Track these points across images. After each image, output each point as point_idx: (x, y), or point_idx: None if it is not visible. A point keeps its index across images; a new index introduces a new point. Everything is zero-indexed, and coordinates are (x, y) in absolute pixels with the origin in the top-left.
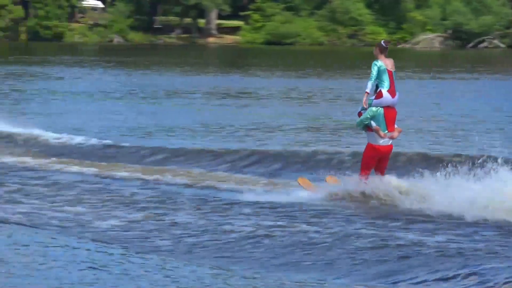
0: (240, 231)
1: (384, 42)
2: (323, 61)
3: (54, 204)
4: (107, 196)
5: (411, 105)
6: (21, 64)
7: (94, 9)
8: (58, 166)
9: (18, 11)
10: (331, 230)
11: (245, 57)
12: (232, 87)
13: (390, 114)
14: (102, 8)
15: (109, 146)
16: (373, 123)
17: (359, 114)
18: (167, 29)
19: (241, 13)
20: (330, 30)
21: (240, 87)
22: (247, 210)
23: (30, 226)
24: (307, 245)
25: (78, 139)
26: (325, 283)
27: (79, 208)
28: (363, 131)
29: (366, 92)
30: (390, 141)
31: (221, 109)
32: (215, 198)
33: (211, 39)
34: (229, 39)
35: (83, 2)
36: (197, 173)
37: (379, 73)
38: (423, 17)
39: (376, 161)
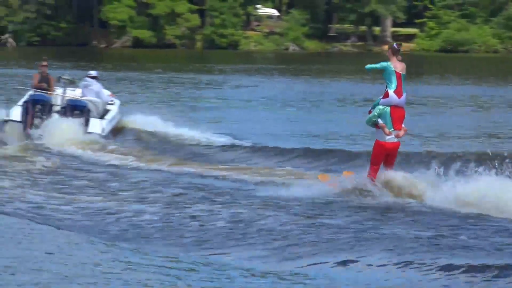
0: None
1: (396, 44)
2: (500, 68)
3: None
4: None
5: None
6: (197, 72)
7: (269, 17)
8: (224, 173)
9: (195, 19)
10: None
11: (420, 65)
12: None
13: (396, 113)
14: (278, 16)
15: (276, 150)
16: (379, 121)
17: (369, 112)
18: (342, 37)
19: (416, 21)
20: (506, 37)
21: (420, 95)
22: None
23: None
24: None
25: (247, 144)
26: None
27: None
28: (373, 128)
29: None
30: (396, 139)
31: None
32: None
33: (386, 47)
34: (404, 46)
35: (259, 11)
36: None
37: (388, 74)
38: None
39: (383, 156)
